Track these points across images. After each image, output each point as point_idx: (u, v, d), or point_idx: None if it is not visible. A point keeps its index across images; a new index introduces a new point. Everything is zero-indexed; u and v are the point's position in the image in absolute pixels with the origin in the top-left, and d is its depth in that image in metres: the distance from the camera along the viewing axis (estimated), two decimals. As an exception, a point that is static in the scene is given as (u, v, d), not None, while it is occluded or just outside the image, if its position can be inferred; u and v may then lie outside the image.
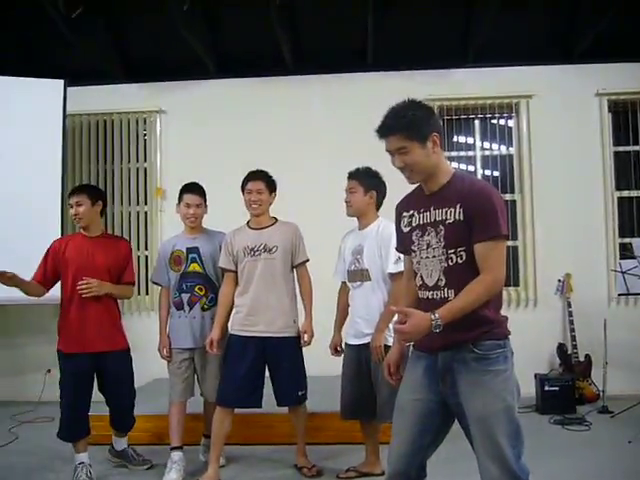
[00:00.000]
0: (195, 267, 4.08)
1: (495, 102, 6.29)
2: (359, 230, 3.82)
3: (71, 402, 3.88)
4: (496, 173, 6.49)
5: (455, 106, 6.33)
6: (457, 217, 2.30)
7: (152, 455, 4.29)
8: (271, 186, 3.99)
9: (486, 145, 6.53)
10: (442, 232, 2.33)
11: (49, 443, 4.64)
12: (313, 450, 4.16)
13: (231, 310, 3.98)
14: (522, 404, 5.35)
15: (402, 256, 2.76)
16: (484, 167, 6.51)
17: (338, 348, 3.91)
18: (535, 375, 5.59)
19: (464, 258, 2.30)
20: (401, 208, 2.57)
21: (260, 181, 3.96)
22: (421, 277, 2.43)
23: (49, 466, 4.29)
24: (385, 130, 2.36)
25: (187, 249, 4.09)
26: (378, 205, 3.81)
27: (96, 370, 3.94)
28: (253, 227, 4.00)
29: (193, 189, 4.11)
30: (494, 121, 6.48)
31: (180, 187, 4.19)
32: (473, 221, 2.26)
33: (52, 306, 5.89)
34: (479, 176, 6.42)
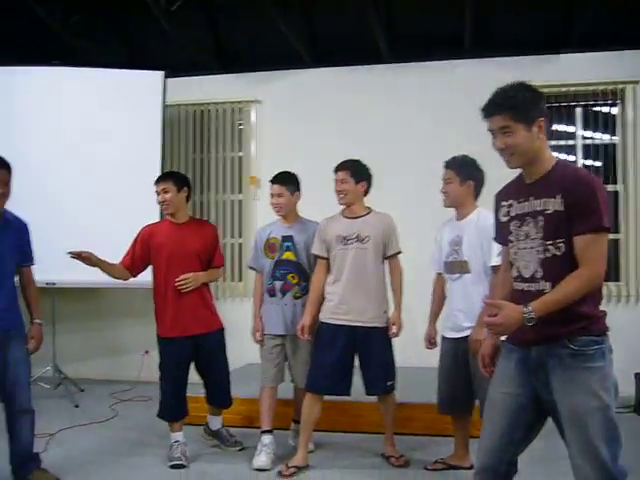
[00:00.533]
0: (289, 255, 4.12)
1: (598, 88, 6.01)
2: (457, 220, 3.73)
3: (171, 385, 4.03)
4: (598, 163, 6.22)
5: (556, 93, 6.09)
6: (557, 207, 2.22)
7: (243, 438, 4.38)
8: (357, 175, 3.95)
9: (588, 134, 6.26)
10: (541, 223, 2.26)
11: (146, 421, 4.85)
12: (401, 440, 4.15)
13: (322, 297, 3.99)
14: (621, 404, 5.23)
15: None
16: (585, 157, 6.25)
17: (432, 340, 3.85)
18: (635, 374, 5.35)
19: (563, 250, 2.22)
20: (500, 197, 2.51)
21: (344, 171, 3.95)
22: (517, 269, 2.36)
23: (146, 442, 4.48)
24: (491, 108, 2.31)
25: (282, 237, 4.14)
26: (476, 194, 3.71)
27: (194, 351, 4.07)
28: (347, 216, 4.00)
29: (276, 179, 4.15)
30: (597, 108, 6.21)
31: (274, 176, 4.24)
32: (574, 212, 2.18)
33: (149, 289, 6.13)
34: (580, 166, 6.18)
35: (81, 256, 3.71)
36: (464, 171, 3.67)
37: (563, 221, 2.20)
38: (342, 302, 3.88)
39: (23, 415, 3.54)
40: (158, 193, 4.06)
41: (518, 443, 2.37)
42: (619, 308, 5.87)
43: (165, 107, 6.23)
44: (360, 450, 4.26)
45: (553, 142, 6.22)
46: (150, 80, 6.17)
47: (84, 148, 5.93)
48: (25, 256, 3.63)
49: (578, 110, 6.22)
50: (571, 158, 6.25)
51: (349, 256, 3.89)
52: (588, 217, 2.15)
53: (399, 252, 3.99)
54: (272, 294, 4.13)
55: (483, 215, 3.53)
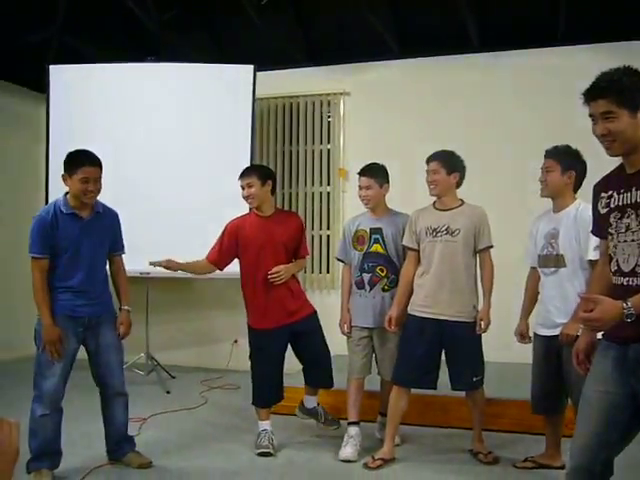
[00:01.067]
0: (377, 248, 4.10)
1: None
2: (554, 213, 3.59)
3: (262, 373, 4.10)
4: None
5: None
6: None
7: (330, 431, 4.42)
8: (449, 166, 3.87)
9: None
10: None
11: (235, 408, 4.96)
12: (489, 436, 4.07)
13: (411, 290, 3.97)
14: None
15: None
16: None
17: (524, 335, 3.73)
18: None
19: None
20: (599, 188, 2.40)
21: (436, 161, 3.89)
22: (617, 262, 2.25)
23: (235, 428, 4.57)
24: (595, 92, 2.19)
25: (371, 229, 4.13)
26: (577, 186, 3.56)
27: (288, 339, 4.11)
28: (438, 208, 3.94)
29: (363, 171, 4.13)
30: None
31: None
32: None
33: (238, 280, 6.25)
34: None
35: (162, 264, 3.90)
36: (566, 160, 3.52)
37: None
38: (429, 295, 3.83)
39: (117, 398, 3.71)
40: (243, 187, 4.09)
41: (613, 444, 2.26)
42: None
43: (255, 100, 6.31)
44: (447, 445, 4.22)
45: None
46: (241, 74, 6.25)
47: (177, 143, 6.10)
48: (116, 245, 3.80)
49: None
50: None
51: (438, 249, 3.84)
52: None
53: (491, 246, 3.88)
54: (360, 286, 4.13)
55: (583, 207, 3.40)
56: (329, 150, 6.75)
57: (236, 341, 6.48)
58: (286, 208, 6.58)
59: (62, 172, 3.52)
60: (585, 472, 2.27)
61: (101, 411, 3.74)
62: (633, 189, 2.19)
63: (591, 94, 2.20)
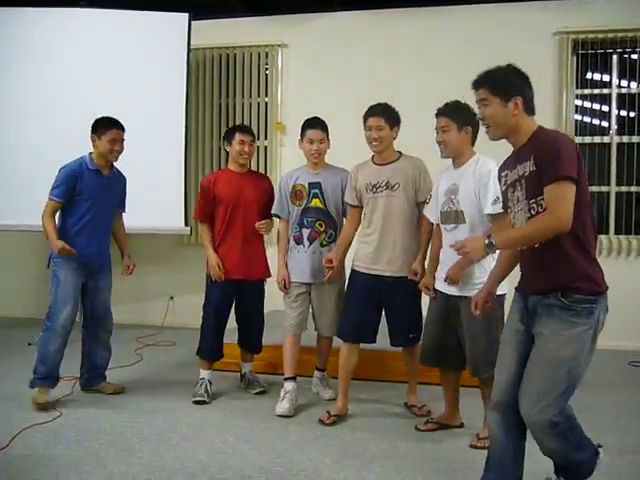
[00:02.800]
0: (317, 202, 4.08)
1: (637, 35, 5.80)
2: (454, 169, 3.52)
3: (214, 323, 4.24)
4: (632, 114, 6.05)
5: (591, 40, 5.91)
6: (531, 168, 2.44)
7: (266, 384, 4.43)
8: (392, 121, 3.81)
9: (624, 83, 6.08)
10: (524, 185, 2.49)
11: (171, 365, 4.92)
12: (424, 390, 4.16)
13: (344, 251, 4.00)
14: (636, 358, 5.19)
15: (500, 196, 2.87)
16: (620, 107, 6.08)
17: (430, 287, 3.64)
18: None
19: (544, 206, 2.39)
20: (500, 168, 2.75)
21: (380, 116, 3.79)
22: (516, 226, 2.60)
23: (171, 384, 4.56)
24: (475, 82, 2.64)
25: (309, 184, 4.09)
26: (473, 140, 3.50)
27: (236, 295, 4.29)
28: (377, 162, 3.88)
29: (316, 125, 4.07)
30: (635, 56, 6.00)
31: (301, 122, 4.14)
32: (542, 169, 2.38)
33: (176, 236, 6.13)
34: (613, 116, 6.03)
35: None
36: (461, 117, 3.45)
37: (537, 180, 2.40)
38: (372, 251, 3.82)
39: (108, 333, 4.35)
40: (243, 142, 4.26)
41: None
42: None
43: (190, 50, 6.14)
44: (384, 398, 4.30)
45: (587, 91, 6.08)
46: (175, 22, 6.07)
47: (108, 94, 5.86)
48: (122, 203, 4.39)
49: (614, 57, 6.02)
50: (605, 108, 6.09)
51: (379, 204, 3.81)
52: (551, 169, 2.34)
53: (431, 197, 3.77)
54: (299, 242, 4.12)
55: (482, 161, 3.40)
56: (267, 103, 6.64)
57: (172, 298, 6.42)
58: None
59: (90, 134, 4.08)
60: (506, 406, 2.59)
61: (84, 344, 4.30)
62: (518, 165, 2.54)
63: (473, 83, 2.64)
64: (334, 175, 4.09)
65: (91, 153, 4.13)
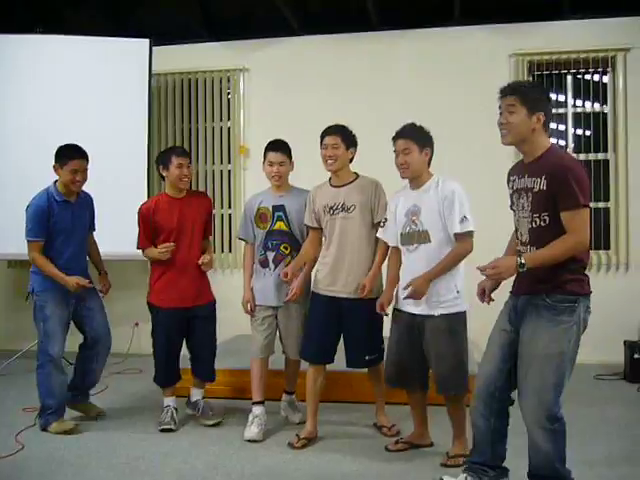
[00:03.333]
0: (281, 225, 4.06)
1: (589, 56, 5.96)
2: (412, 190, 3.54)
3: (165, 351, 4.16)
4: (588, 132, 6.21)
5: (546, 61, 6.06)
6: (542, 187, 2.71)
7: (234, 409, 4.40)
8: (348, 141, 3.84)
9: (578, 102, 6.23)
10: (530, 198, 2.76)
11: (137, 392, 4.85)
12: (392, 409, 4.15)
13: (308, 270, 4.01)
14: (610, 371, 5.28)
15: (468, 215, 3.29)
16: (575, 125, 6.23)
17: (385, 306, 3.64)
18: (624, 342, 5.38)
19: (547, 222, 2.71)
20: (510, 172, 3.00)
21: (336, 135, 3.82)
22: (520, 233, 2.88)
23: (138, 412, 4.50)
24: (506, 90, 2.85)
25: (273, 207, 4.07)
26: (429, 162, 3.54)
27: (186, 322, 4.18)
28: (333, 185, 3.90)
29: (277, 147, 4.07)
30: (588, 77, 6.17)
31: (264, 146, 4.14)
32: (556, 193, 2.65)
33: (139, 262, 6.06)
34: (570, 135, 6.18)
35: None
36: (422, 139, 3.49)
37: (546, 198, 2.69)
38: (329, 273, 3.83)
39: (106, 351, 4.31)
40: (180, 165, 4.11)
41: (508, 372, 2.87)
42: (609, 276, 5.85)
43: (151, 76, 6.14)
44: (352, 420, 4.27)
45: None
46: (136, 48, 6.06)
47: (67, 119, 5.83)
48: (92, 223, 4.36)
49: (569, 78, 6.18)
50: (561, 127, 6.23)
51: (336, 226, 3.82)
52: (570, 197, 2.63)
53: (386, 219, 3.76)
54: (264, 265, 4.09)
55: (442, 183, 3.44)
56: (229, 128, 6.66)
57: (137, 324, 6.33)
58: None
59: (53, 163, 4.01)
60: (488, 395, 2.90)
61: (81, 362, 4.27)
62: (526, 176, 2.80)
63: (501, 91, 2.84)
64: (298, 197, 4.08)
65: (56, 181, 4.07)
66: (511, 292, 2.95)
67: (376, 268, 3.78)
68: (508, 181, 2.99)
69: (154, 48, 6.08)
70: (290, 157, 4.09)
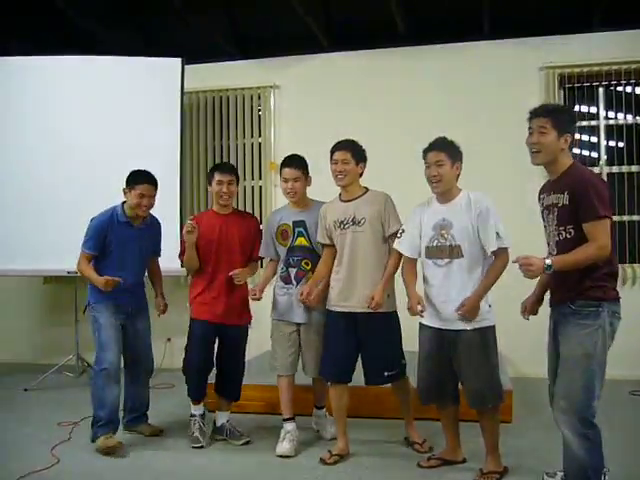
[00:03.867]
0: (302, 241, 4.02)
1: (621, 68, 5.91)
2: (441, 204, 3.53)
3: (197, 364, 4.12)
4: (621, 144, 6.13)
5: (577, 73, 6.02)
6: (565, 202, 2.91)
7: (266, 424, 4.40)
8: (358, 156, 3.84)
9: (611, 114, 6.17)
10: (555, 213, 2.97)
11: (170, 407, 4.88)
12: (423, 425, 4.10)
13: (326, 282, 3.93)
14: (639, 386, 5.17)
15: (502, 231, 3.35)
16: (608, 137, 6.16)
17: (416, 308, 3.53)
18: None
19: (572, 234, 2.90)
20: (540, 190, 3.19)
21: (346, 151, 3.83)
22: (550, 247, 3.06)
23: (170, 426, 4.51)
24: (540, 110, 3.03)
25: (294, 222, 4.04)
26: (458, 177, 3.54)
27: (220, 337, 4.18)
28: (343, 199, 3.89)
29: (291, 163, 4.04)
30: (620, 88, 6.11)
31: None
32: (577, 206, 2.84)
33: (173, 277, 6.13)
34: (602, 147, 6.12)
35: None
36: (454, 153, 3.50)
37: (570, 212, 2.88)
38: (343, 289, 3.81)
39: (148, 375, 4.44)
40: (221, 182, 4.12)
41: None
42: (634, 290, 5.63)
43: (183, 94, 6.22)
44: (384, 437, 4.22)
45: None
46: (168, 67, 6.15)
47: (103, 136, 5.95)
48: (157, 248, 4.45)
49: (600, 90, 6.12)
50: (593, 139, 6.17)
51: (347, 241, 3.80)
52: (590, 209, 2.81)
53: (398, 231, 3.73)
54: (287, 282, 4.05)
55: (474, 198, 3.44)
56: (260, 144, 6.72)
57: (169, 339, 6.39)
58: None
59: (124, 186, 4.13)
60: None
61: (127, 387, 4.32)
62: (552, 193, 3.01)
63: (534, 112, 3.02)
64: (318, 211, 4.02)
65: (124, 202, 4.16)
66: (550, 305, 3.11)
67: (385, 280, 3.73)
68: (539, 199, 3.16)
69: (186, 66, 6.16)
70: (306, 172, 4.04)
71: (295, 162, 4.04)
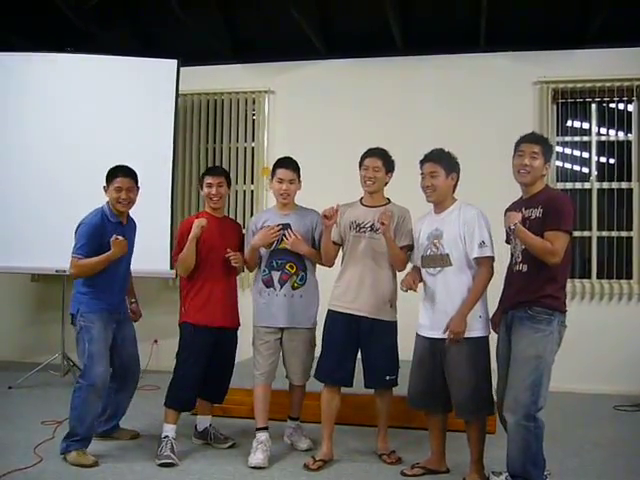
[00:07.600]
0: (286, 244, 3.97)
1: (614, 85, 5.96)
2: (435, 214, 3.60)
3: (193, 371, 3.96)
4: (612, 160, 6.18)
5: (571, 89, 6.07)
6: (538, 215, 3.24)
7: (249, 428, 4.37)
8: (388, 165, 3.88)
9: (603, 130, 6.22)
10: (527, 225, 3.23)
11: (155, 410, 4.84)
12: (408, 434, 4.09)
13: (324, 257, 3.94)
14: (630, 402, 5.20)
15: (487, 241, 3.42)
16: (599, 154, 6.21)
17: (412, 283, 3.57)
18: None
19: None
20: (508, 209, 3.44)
21: (378, 158, 3.85)
22: (515, 256, 3.37)
23: (155, 428, 4.36)
24: (531, 137, 3.44)
25: (278, 225, 3.99)
26: (454, 187, 3.61)
27: (214, 340, 4.03)
28: (365, 204, 3.91)
29: (287, 164, 4.03)
30: (612, 105, 6.16)
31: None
32: (546, 218, 3.19)
33: (160, 279, 6.12)
34: (593, 163, 6.18)
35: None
36: (449, 164, 3.56)
37: (540, 224, 3.21)
38: (349, 290, 3.81)
39: (135, 383, 4.31)
40: (210, 185, 4.07)
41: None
42: (631, 305, 5.63)
43: (178, 96, 6.22)
44: (371, 444, 4.15)
45: (567, 138, 6.24)
46: (164, 68, 6.16)
47: (96, 136, 5.95)
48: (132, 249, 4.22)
49: (593, 106, 6.17)
50: (585, 155, 6.21)
51: (361, 245, 3.82)
52: (553, 221, 3.18)
53: (408, 245, 3.80)
54: (269, 285, 3.99)
55: (464, 208, 3.51)
56: (253, 148, 6.73)
57: (156, 341, 6.37)
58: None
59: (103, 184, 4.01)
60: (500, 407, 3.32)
61: (112, 395, 4.16)
62: (523, 209, 3.33)
63: (527, 138, 3.39)
64: (304, 216, 4.03)
65: (108, 202, 4.02)
66: (503, 311, 3.42)
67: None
68: (505, 214, 3.40)
69: (181, 68, 6.17)
70: (299, 176, 4.04)
71: (292, 164, 4.05)
